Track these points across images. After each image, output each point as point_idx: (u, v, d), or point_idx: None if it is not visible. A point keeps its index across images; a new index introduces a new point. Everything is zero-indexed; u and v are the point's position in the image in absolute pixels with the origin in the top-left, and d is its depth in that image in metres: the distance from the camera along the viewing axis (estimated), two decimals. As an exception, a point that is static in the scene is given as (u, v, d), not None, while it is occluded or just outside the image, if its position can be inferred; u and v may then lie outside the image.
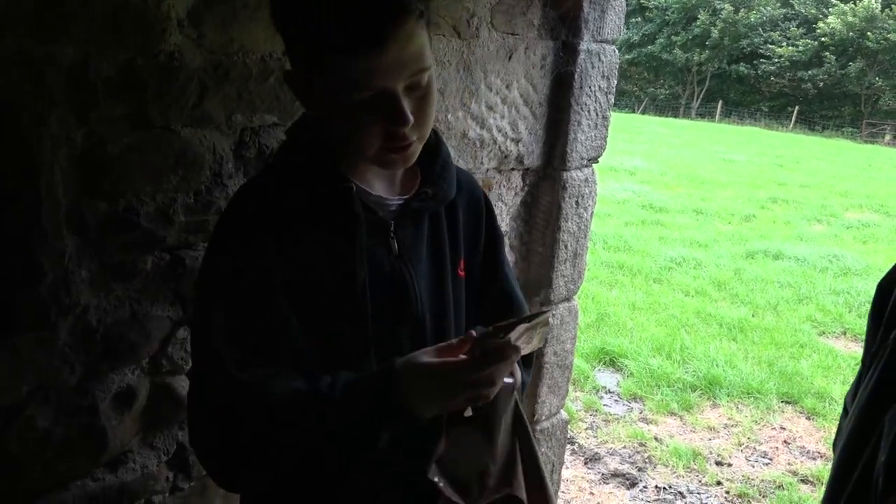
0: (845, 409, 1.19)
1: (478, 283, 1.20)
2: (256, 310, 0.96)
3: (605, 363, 4.54)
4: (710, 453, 3.55)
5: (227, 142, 1.35)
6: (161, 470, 1.44)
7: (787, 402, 4.18)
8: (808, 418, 4.01)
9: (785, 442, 3.73)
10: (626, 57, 38.76)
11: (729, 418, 3.95)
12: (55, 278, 1.18)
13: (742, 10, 36.87)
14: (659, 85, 41.75)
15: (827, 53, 34.47)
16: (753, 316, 5.64)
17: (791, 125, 33.14)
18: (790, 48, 35.49)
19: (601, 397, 4.11)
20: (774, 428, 3.88)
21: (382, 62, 0.88)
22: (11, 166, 1.12)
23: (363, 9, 0.86)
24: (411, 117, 0.93)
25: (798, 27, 36.18)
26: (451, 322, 1.13)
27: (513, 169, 1.97)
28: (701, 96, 38.52)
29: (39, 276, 1.17)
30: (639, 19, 39.80)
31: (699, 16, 37.65)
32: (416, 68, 0.92)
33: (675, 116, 35.35)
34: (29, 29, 1.07)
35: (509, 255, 2.05)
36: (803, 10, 36.48)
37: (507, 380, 1.00)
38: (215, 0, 1.26)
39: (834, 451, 1.18)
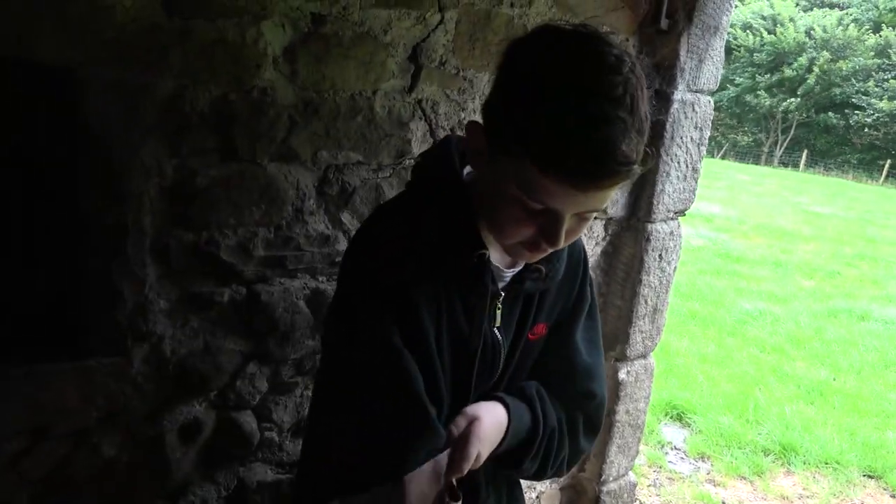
0: None
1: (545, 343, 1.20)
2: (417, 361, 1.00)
3: (671, 417, 4.35)
4: (783, 525, 3.34)
5: (310, 178, 1.34)
6: (220, 504, 1.43)
7: (870, 477, 3.90)
8: (892, 496, 3.73)
9: (866, 520, 3.49)
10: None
11: (804, 488, 3.71)
12: (134, 305, 1.19)
13: (837, 58, 35.68)
14: (741, 131, 40.71)
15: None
16: (834, 379, 5.33)
17: (882, 179, 31.68)
18: (887, 100, 34.04)
19: (666, 453, 3.94)
20: (854, 503, 3.63)
21: (573, 199, 0.88)
22: (101, 192, 1.13)
23: (595, 157, 0.82)
24: (563, 241, 0.93)
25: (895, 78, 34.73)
26: (514, 382, 1.16)
27: (595, 217, 1.90)
28: (785, 144, 37.34)
29: (119, 303, 1.17)
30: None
31: (791, 61, 36.63)
32: (594, 209, 0.92)
33: (757, 163, 34.32)
34: (128, 58, 1.09)
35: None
36: (900, 62, 35.06)
37: None
38: (311, 38, 1.27)
39: None
